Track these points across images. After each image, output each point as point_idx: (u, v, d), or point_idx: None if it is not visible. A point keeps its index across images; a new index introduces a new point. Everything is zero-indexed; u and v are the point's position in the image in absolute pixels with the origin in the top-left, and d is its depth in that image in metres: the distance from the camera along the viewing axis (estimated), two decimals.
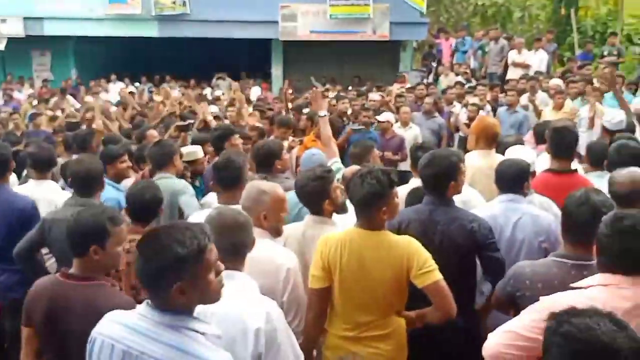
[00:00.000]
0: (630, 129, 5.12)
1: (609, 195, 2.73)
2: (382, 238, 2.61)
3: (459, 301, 2.88)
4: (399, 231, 2.87)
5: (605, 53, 12.06)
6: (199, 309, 2.02)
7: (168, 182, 3.94)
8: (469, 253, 2.92)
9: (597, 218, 2.17)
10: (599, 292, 1.95)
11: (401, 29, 13.31)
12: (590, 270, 2.15)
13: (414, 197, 3.36)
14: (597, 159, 3.90)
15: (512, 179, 3.24)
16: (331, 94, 10.13)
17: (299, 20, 13.41)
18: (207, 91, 12.82)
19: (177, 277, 1.68)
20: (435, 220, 2.92)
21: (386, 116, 7.26)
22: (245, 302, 2.12)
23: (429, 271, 2.53)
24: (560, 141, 3.66)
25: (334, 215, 3.09)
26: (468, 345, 2.68)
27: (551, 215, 3.24)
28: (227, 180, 3.36)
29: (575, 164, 3.87)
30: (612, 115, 5.45)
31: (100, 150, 4.99)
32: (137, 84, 14.40)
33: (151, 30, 14.16)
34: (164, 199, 3.81)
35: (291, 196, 3.61)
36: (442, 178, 2.96)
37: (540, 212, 3.24)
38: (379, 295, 2.60)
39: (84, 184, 3.42)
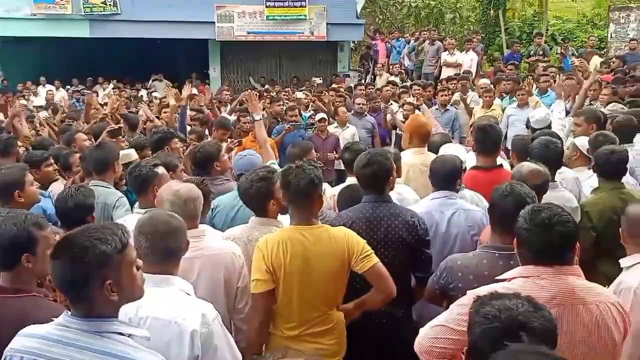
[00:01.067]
0: None
1: None
2: (322, 231, 2.66)
3: (399, 294, 2.97)
4: None
5: (532, 53, 12.65)
6: (131, 315, 2.02)
7: (102, 191, 3.79)
8: (410, 247, 2.99)
9: (522, 208, 2.28)
10: (521, 283, 2.04)
11: (338, 29, 13.45)
12: (516, 259, 2.25)
13: (344, 196, 3.42)
14: (523, 153, 4.07)
15: (446, 176, 3.34)
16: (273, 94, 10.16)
17: (235, 21, 13.30)
18: (143, 93, 12.50)
19: (105, 275, 1.69)
20: (379, 217, 2.97)
21: (322, 116, 7.33)
22: (179, 305, 2.11)
23: (367, 255, 2.63)
24: (485, 139, 3.81)
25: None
26: (406, 336, 2.69)
27: (481, 209, 3.38)
28: (136, 182, 3.29)
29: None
30: (533, 113, 5.77)
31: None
32: (68, 86, 13.84)
33: (82, 31, 13.64)
34: (97, 209, 3.70)
35: (228, 198, 3.64)
36: (381, 176, 3.03)
37: (471, 206, 3.37)
38: (323, 290, 2.64)
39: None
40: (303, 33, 13.36)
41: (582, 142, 4.25)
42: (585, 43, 13.25)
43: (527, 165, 3.24)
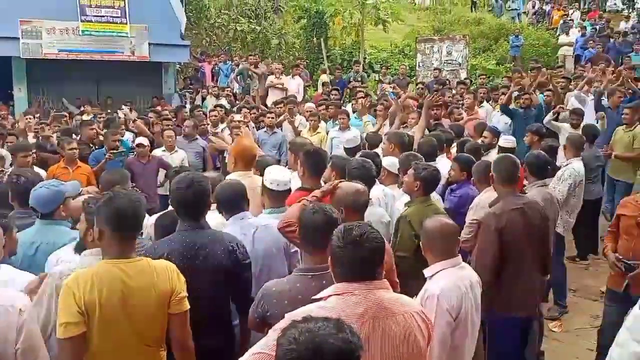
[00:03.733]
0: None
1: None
2: (144, 263, 2.49)
3: (221, 321, 2.96)
4: None
5: (351, 79, 13.53)
6: None
7: None
8: (231, 273, 2.94)
9: (329, 223, 2.44)
10: (336, 300, 2.08)
11: (162, 50, 12.95)
12: (328, 278, 2.30)
13: (162, 224, 3.31)
14: (343, 173, 4.25)
15: (234, 200, 3.36)
16: (85, 117, 9.45)
17: (43, 37, 12.10)
18: None
19: None
20: (198, 245, 2.88)
21: (140, 140, 7.00)
22: None
23: (184, 297, 2.53)
24: (315, 162, 3.94)
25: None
26: None
27: None
28: None
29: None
30: (345, 134, 6.17)
31: None
32: None
33: None
34: None
35: (29, 234, 3.24)
36: (200, 202, 2.94)
37: (270, 221, 3.40)
38: (146, 327, 2.47)
39: None
40: (123, 53, 12.64)
41: (388, 162, 4.57)
42: (398, 71, 14.50)
43: (352, 185, 3.36)
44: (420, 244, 2.94)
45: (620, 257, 4.01)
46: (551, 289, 5.54)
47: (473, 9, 25.30)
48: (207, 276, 2.85)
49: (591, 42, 15.66)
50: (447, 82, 12.72)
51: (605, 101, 8.69)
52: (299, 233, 2.64)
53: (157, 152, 7.29)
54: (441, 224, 2.88)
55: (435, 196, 4.48)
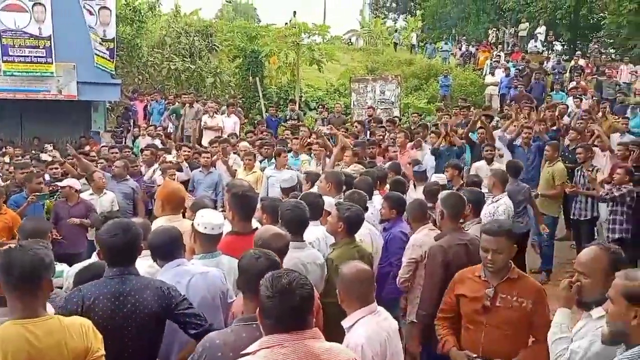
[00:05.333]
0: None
1: None
2: (54, 322, 2.32)
3: None
4: (82, 310, 2.64)
5: (288, 117, 13.60)
6: None
7: None
8: (162, 319, 2.85)
9: (273, 268, 2.36)
10: (265, 354, 2.00)
11: (91, 89, 12.54)
12: None
13: (84, 278, 3.07)
14: (275, 215, 4.18)
15: (169, 246, 3.23)
16: (7, 159, 8.95)
17: None
18: None
19: None
20: (127, 291, 2.77)
21: (67, 182, 6.70)
22: None
23: (100, 356, 2.40)
24: (244, 205, 3.83)
25: None
26: None
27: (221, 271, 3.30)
28: None
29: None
30: (282, 175, 6.15)
31: None
32: None
33: None
34: None
35: None
36: (133, 248, 2.86)
37: (207, 268, 3.27)
38: None
39: None
40: (49, 91, 12.14)
41: (326, 202, 4.54)
42: (333, 109, 14.71)
43: (271, 228, 3.31)
44: (337, 292, 2.84)
45: (474, 355, 3.25)
46: None
47: (395, 49, 26.53)
48: (134, 325, 2.74)
49: (515, 81, 16.54)
50: (382, 120, 13.00)
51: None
52: None
53: (85, 195, 6.97)
54: (357, 269, 2.80)
55: (376, 232, 4.48)
